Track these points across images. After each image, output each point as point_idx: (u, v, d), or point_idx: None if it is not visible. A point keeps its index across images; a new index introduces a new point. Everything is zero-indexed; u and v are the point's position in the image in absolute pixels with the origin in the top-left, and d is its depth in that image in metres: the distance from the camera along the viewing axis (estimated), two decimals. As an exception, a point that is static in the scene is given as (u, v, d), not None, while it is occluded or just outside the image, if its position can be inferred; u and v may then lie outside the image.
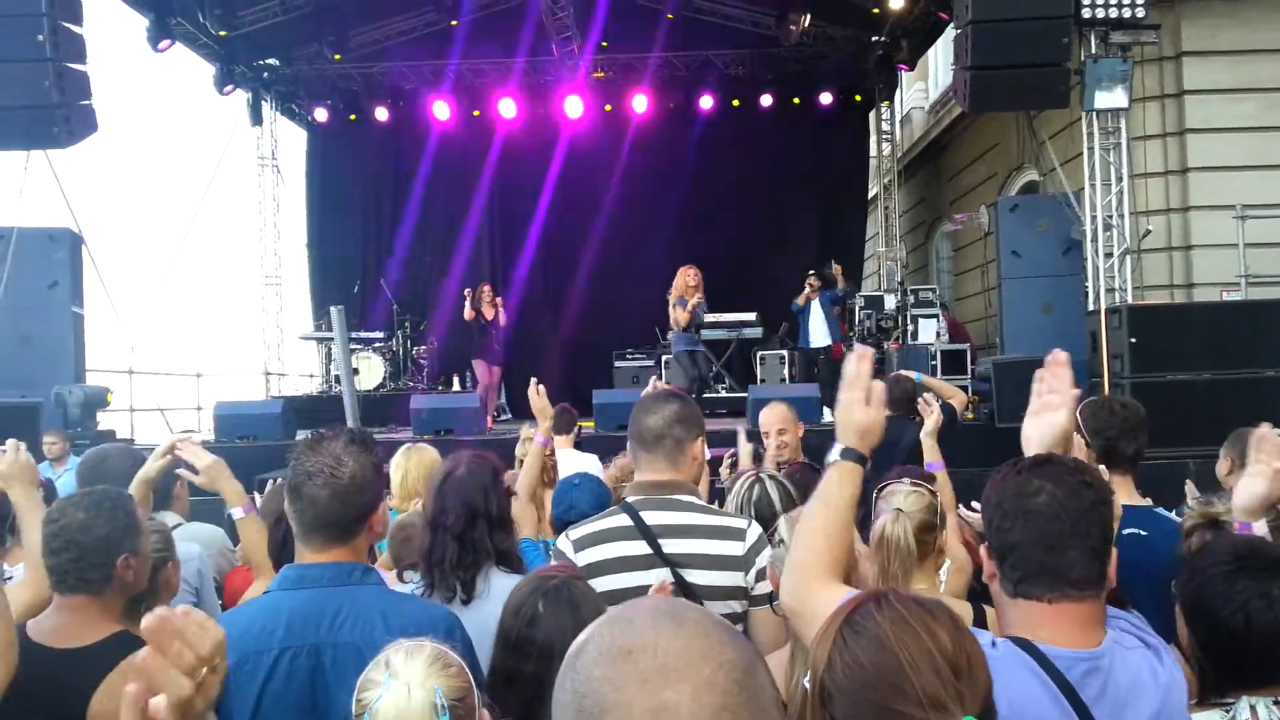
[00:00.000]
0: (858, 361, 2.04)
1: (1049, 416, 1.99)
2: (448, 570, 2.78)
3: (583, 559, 2.67)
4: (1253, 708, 1.85)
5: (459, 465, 2.94)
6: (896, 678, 1.22)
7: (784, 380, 12.88)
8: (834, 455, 2.00)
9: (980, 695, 1.23)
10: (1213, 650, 1.94)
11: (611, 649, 0.89)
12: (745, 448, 4.70)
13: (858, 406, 1.99)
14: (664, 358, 12.85)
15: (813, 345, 12.39)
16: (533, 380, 4.28)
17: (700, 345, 11.27)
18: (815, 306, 12.28)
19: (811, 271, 12.46)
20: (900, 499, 2.73)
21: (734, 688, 0.86)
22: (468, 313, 11.85)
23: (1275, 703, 1.85)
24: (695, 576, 2.63)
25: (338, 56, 15.16)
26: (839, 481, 1.95)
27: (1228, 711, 1.86)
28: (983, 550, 1.81)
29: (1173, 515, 3.44)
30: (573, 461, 5.27)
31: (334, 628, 2.07)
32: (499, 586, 2.73)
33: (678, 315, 10.55)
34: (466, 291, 12.06)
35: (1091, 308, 9.57)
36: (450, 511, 2.83)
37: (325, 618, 2.07)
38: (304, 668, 2.04)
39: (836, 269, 12.76)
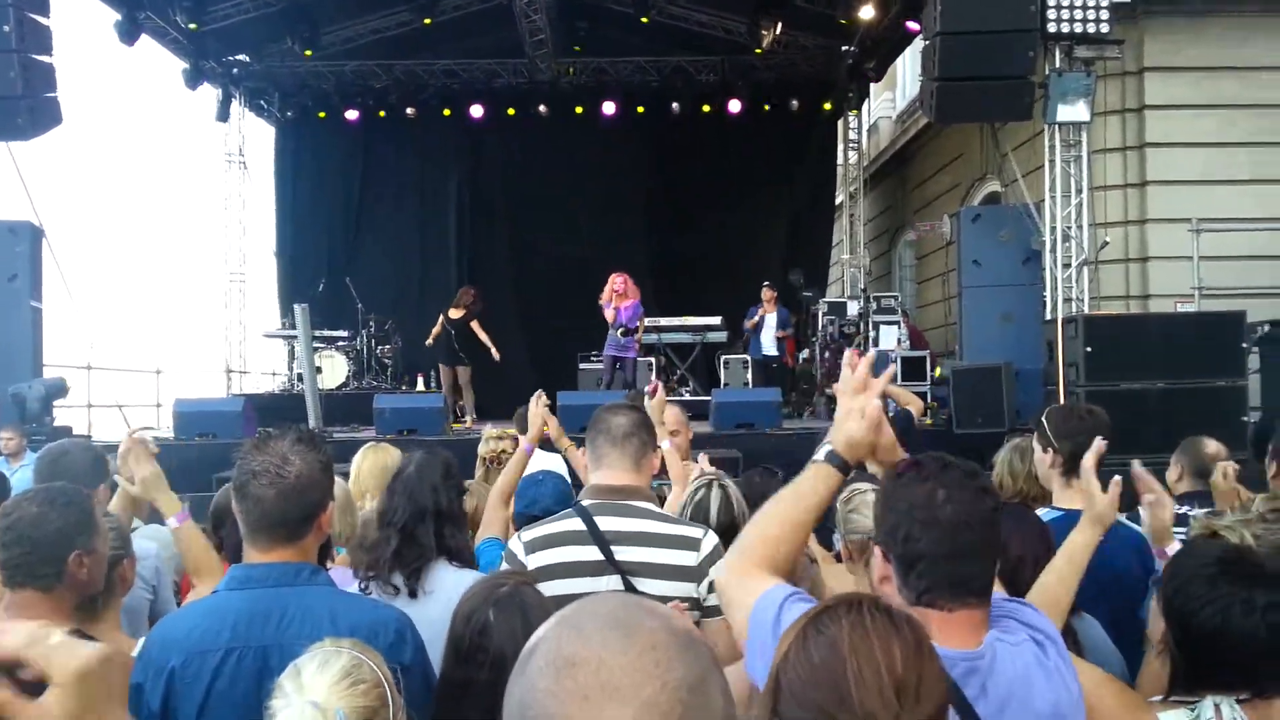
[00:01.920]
0: (860, 367, 1.96)
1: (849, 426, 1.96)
2: (384, 566, 2.78)
3: (533, 561, 2.66)
4: (1217, 707, 1.88)
5: (409, 464, 2.96)
6: (840, 685, 1.21)
7: (747, 384, 12.98)
8: (820, 455, 1.95)
9: None
10: (1188, 649, 1.97)
11: (557, 659, 0.87)
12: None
13: (854, 417, 1.92)
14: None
15: (764, 353, 12.77)
16: (538, 392, 4.24)
17: (629, 352, 11.48)
18: (770, 319, 12.69)
19: (766, 283, 12.79)
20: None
21: (678, 707, 0.84)
22: (434, 332, 12.07)
23: (1239, 701, 1.88)
24: (646, 585, 2.60)
25: (309, 53, 15.05)
26: (813, 481, 1.91)
27: (1192, 710, 1.90)
28: (877, 553, 1.81)
29: (1126, 520, 3.52)
30: (538, 460, 5.29)
31: (281, 628, 2.04)
32: (448, 581, 2.74)
33: (606, 315, 11.20)
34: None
35: (1049, 317, 9.72)
36: (399, 509, 2.85)
37: (272, 618, 2.05)
38: (250, 669, 2.01)
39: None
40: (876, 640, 1.24)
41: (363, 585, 2.78)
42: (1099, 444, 2.70)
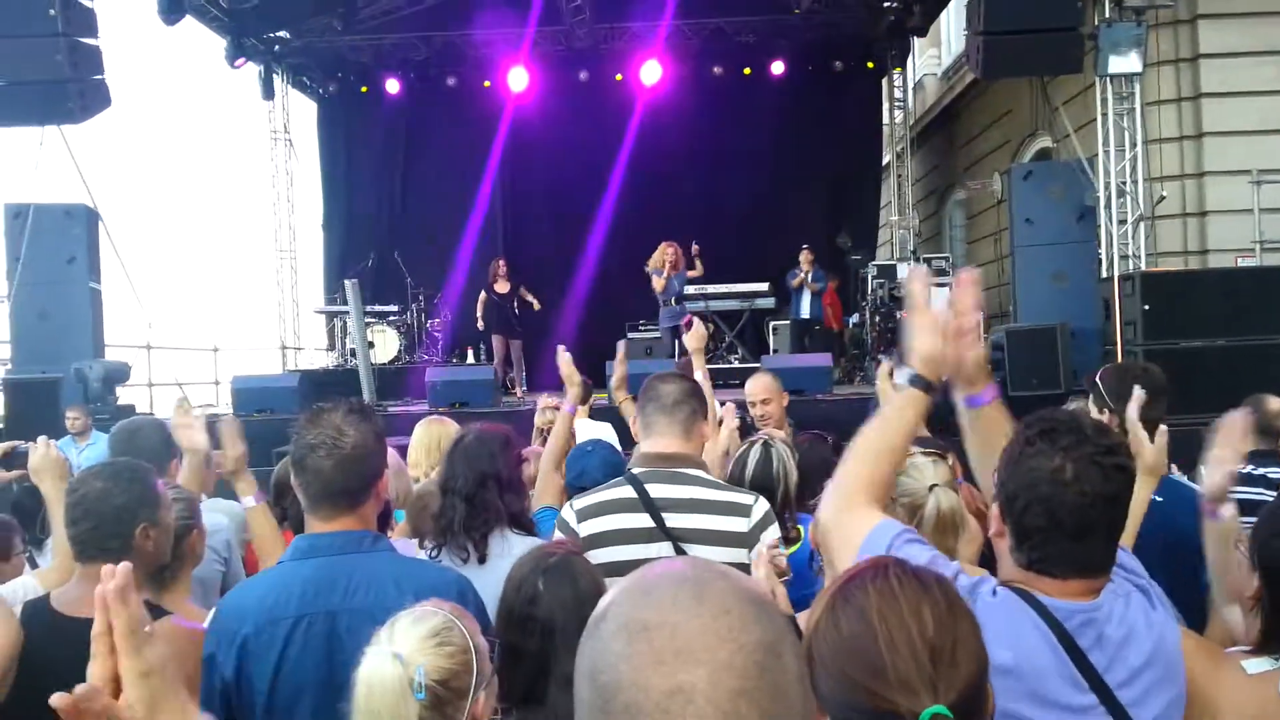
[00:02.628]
0: (914, 282, 1.94)
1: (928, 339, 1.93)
2: (457, 531, 2.83)
3: (585, 529, 2.71)
4: None
5: (469, 434, 3.02)
6: (870, 653, 1.17)
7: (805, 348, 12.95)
8: (901, 379, 1.92)
9: (960, 684, 1.17)
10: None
11: (630, 624, 0.86)
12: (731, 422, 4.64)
13: (923, 332, 1.89)
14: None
15: (803, 316, 12.82)
16: (560, 348, 4.28)
17: (686, 319, 11.52)
18: (808, 280, 12.74)
19: (805, 246, 12.88)
20: (930, 472, 2.62)
21: (754, 669, 0.83)
22: (481, 301, 12.40)
23: None
24: (697, 552, 2.63)
25: (347, 29, 15.10)
26: (900, 407, 1.88)
27: (1276, 659, 1.90)
28: (995, 508, 1.79)
29: (1187, 481, 3.46)
30: (587, 430, 5.32)
31: (348, 594, 2.09)
32: (514, 548, 2.77)
33: (655, 285, 11.24)
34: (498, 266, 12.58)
35: (1104, 275, 9.54)
36: (459, 476, 2.89)
37: (339, 585, 2.10)
38: (320, 634, 2.06)
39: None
40: (905, 604, 1.21)
41: (433, 553, 2.82)
42: (1139, 393, 2.65)
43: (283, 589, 2.12)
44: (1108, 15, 9.43)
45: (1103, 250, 9.83)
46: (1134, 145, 9.74)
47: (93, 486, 2.40)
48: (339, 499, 2.17)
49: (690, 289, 12.58)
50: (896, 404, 1.90)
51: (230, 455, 2.94)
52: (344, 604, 2.09)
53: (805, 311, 13.01)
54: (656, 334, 13.56)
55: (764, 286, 13.47)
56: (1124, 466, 1.70)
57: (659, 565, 0.95)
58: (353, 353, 13.02)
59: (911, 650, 1.17)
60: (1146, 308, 8.29)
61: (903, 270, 12.99)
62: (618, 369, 4.86)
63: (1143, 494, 2.40)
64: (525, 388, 12.95)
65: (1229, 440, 2.43)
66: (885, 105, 16.99)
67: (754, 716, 0.82)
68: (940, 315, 1.88)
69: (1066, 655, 1.63)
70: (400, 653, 1.68)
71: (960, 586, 1.65)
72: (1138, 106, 9.78)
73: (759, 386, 4.68)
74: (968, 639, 1.22)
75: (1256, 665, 1.90)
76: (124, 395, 10.75)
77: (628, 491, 2.74)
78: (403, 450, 4.22)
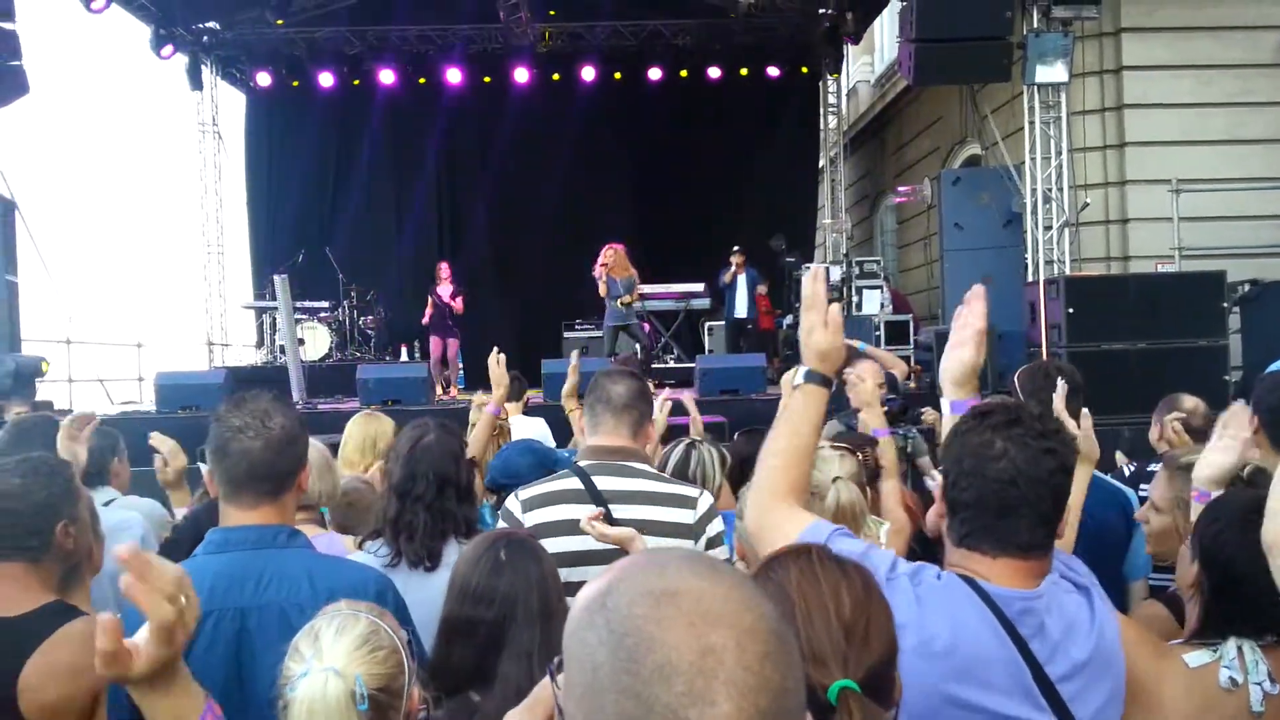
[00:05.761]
0: (812, 282, 1.98)
1: (956, 353, 2.04)
2: (418, 539, 2.74)
3: (530, 520, 2.68)
4: (1239, 649, 1.93)
5: (427, 432, 2.89)
6: None
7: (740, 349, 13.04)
8: (798, 379, 1.96)
9: (869, 663, 1.22)
10: (1223, 593, 1.99)
11: (651, 591, 0.86)
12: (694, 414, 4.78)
13: (817, 329, 1.95)
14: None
15: (737, 317, 13.04)
16: (494, 350, 4.34)
17: (631, 319, 11.54)
18: (741, 281, 12.94)
19: (736, 248, 12.97)
20: (835, 465, 2.73)
21: (774, 638, 0.85)
22: (428, 312, 12.19)
23: (1260, 646, 1.93)
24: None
25: (280, 21, 14.83)
26: (803, 405, 1.92)
27: (1215, 651, 1.94)
28: (937, 494, 1.84)
29: (1109, 479, 3.55)
30: (522, 427, 5.31)
31: (259, 591, 2.04)
32: (456, 554, 2.71)
33: (600, 287, 11.24)
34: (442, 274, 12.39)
35: (1030, 279, 9.75)
36: (421, 479, 2.78)
37: (250, 580, 2.04)
38: (229, 631, 2.01)
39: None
40: (825, 585, 1.26)
41: (393, 560, 2.73)
42: (1061, 385, 2.81)
43: (192, 584, 2.05)
44: (1036, 26, 9.65)
45: (1029, 255, 10.05)
46: (1059, 153, 9.98)
47: (9, 483, 2.29)
48: (264, 484, 2.10)
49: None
50: (799, 402, 1.94)
51: (173, 467, 3.10)
52: (255, 600, 2.03)
53: (742, 310, 13.12)
54: (593, 333, 13.55)
55: (699, 287, 13.57)
56: (1053, 450, 1.72)
57: (655, 551, 0.98)
58: (282, 349, 12.78)
59: (827, 627, 1.22)
60: (1070, 311, 8.49)
61: (835, 273, 13.17)
62: (571, 377, 5.06)
63: (1080, 483, 2.45)
64: (462, 385, 12.84)
65: (1238, 427, 2.44)
66: (820, 111, 17.19)
67: (777, 681, 0.84)
68: (833, 312, 1.94)
69: (1010, 641, 1.64)
70: (335, 666, 1.63)
71: (898, 573, 1.71)
72: (1063, 116, 10.02)
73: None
74: (880, 622, 1.27)
75: (1196, 659, 1.95)
76: (43, 391, 10.42)
77: (574, 483, 2.73)
78: (334, 448, 4.13)
